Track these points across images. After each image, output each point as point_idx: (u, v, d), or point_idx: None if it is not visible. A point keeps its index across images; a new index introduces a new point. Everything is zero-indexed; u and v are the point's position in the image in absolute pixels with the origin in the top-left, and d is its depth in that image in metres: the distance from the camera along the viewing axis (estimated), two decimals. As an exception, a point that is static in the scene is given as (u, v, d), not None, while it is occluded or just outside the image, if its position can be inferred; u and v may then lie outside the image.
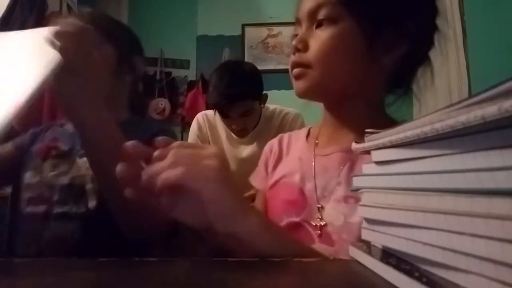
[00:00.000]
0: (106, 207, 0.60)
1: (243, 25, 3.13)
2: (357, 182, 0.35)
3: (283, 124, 1.44)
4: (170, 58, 3.13)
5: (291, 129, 1.39)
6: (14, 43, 0.51)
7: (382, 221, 0.29)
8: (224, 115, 1.35)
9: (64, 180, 0.66)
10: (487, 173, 0.18)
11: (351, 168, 0.53)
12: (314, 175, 0.57)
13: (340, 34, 0.53)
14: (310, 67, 0.54)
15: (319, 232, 0.52)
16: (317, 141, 0.62)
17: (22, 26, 1.82)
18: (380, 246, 0.32)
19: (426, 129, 0.22)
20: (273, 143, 0.70)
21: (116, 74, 0.72)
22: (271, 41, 3.08)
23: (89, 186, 0.65)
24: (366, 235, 0.34)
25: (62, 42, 0.45)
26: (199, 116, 1.52)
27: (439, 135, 0.21)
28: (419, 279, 0.23)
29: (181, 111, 3.04)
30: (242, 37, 3.13)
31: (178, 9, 3.17)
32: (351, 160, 0.54)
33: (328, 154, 0.58)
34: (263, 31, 3.11)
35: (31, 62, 0.47)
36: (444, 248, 0.21)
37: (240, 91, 1.28)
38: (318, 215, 0.53)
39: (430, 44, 0.56)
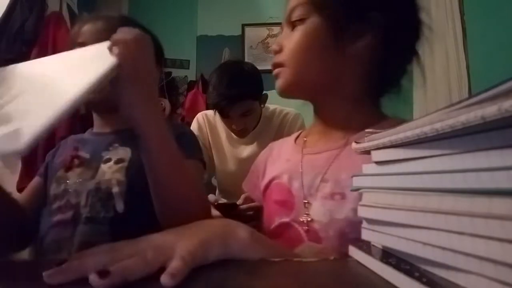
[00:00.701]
0: (134, 210, 0.63)
1: (243, 25, 3.13)
2: (357, 182, 0.35)
3: (283, 124, 1.44)
4: (170, 58, 3.13)
5: (291, 129, 1.39)
6: (75, 59, 0.54)
7: (382, 221, 0.29)
8: (224, 115, 1.35)
9: (90, 185, 0.66)
10: (487, 173, 0.18)
11: (339, 166, 0.54)
12: (302, 173, 0.57)
13: (308, 31, 0.56)
14: (284, 66, 0.58)
15: (306, 228, 0.53)
16: (305, 139, 0.64)
17: (22, 25, 1.82)
18: (380, 246, 0.32)
19: (426, 129, 0.22)
20: (265, 152, 0.73)
21: None
22: (271, 41, 3.08)
23: (115, 190, 0.65)
24: (366, 235, 0.34)
25: (120, 48, 0.49)
26: (199, 116, 1.52)
27: (439, 135, 0.21)
28: (419, 279, 0.23)
29: (181, 111, 3.04)
30: (242, 37, 3.13)
31: (178, 9, 3.17)
32: (338, 158, 0.55)
33: (317, 152, 0.59)
34: (263, 31, 3.11)
35: (88, 67, 0.49)
36: (444, 248, 0.21)
37: (240, 91, 1.28)
38: (305, 211, 0.54)
39: (407, 39, 0.57)
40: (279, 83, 0.59)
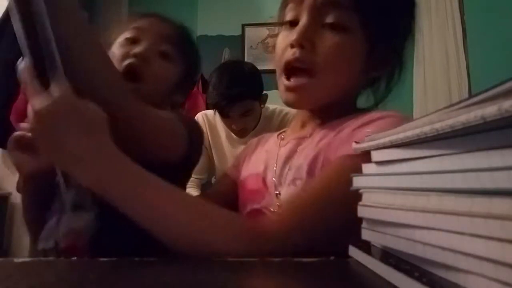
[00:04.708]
0: None
1: (243, 25, 3.13)
2: (357, 182, 0.35)
3: (283, 124, 1.44)
4: (170, 58, 3.12)
5: (291, 129, 1.39)
6: None
7: (382, 221, 0.29)
8: (224, 115, 1.35)
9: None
10: (487, 173, 0.18)
11: (300, 153, 0.55)
12: (276, 165, 0.59)
13: (351, 45, 0.51)
14: (312, 76, 0.51)
15: None
16: (283, 134, 0.65)
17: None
18: (380, 246, 0.32)
19: (426, 129, 0.22)
20: (253, 140, 0.73)
21: (169, 93, 0.73)
22: (271, 41, 3.07)
23: None
24: (366, 235, 0.34)
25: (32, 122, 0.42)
26: (199, 116, 1.52)
27: (439, 135, 0.21)
28: (419, 279, 0.23)
29: (181, 111, 3.04)
30: (242, 37, 3.13)
31: (178, 9, 3.17)
32: (302, 146, 0.56)
33: (286, 144, 0.60)
34: (263, 31, 3.11)
35: None
36: (444, 248, 0.21)
37: (240, 91, 1.28)
38: (276, 201, 0.55)
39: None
40: (301, 97, 0.53)
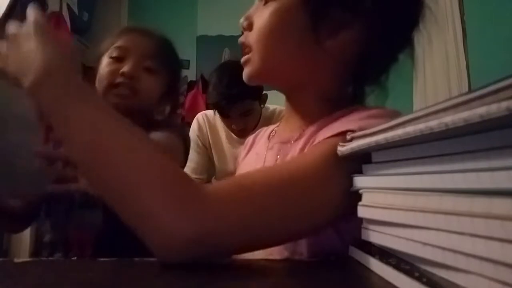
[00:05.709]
0: None
1: (243, 25, 3.13)
2: (357, 182, 0.35)
3: (283, 124, 1.44)
4: (170, 58, 3.12)
5: (291, 129, 1.39)
6: None
7: (382, 221, 0.29)
8: (224, 115, 1.35)
9: None
10: (487, 173, 0.18)
11: (284, 158, 0.51)
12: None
13: (281, 10, 0.47)
14: (252, 50, 0.50)
15: None
16: (274, 134, 0.60)
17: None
18: (380, 246, 0.32)
19: (433, 123, 0.21)
20: (249, 138, 0.71)
21: (158, 104, 0.83)
22: (271, 41, 3.08)
23: None
24: (366, 235, 0.34)
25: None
26: (199, 116, 1.52)
27: (439, 134, 0.21)
28: (419, 279, 0.23)
29: (181, 111, 3.04)
30: (242, 37, 3.13)
31: (178, 9, 3.17)
32: (285, 150, 0.51)
33: (271, 147, 0.56)
34: (263, 31, 3.10)
35: None
36: (444, 248, 0.21)
37: (240, 91, 1.28)
38: None
39: (402, 29, 0.49)
40: (246, 71, 0.51)
